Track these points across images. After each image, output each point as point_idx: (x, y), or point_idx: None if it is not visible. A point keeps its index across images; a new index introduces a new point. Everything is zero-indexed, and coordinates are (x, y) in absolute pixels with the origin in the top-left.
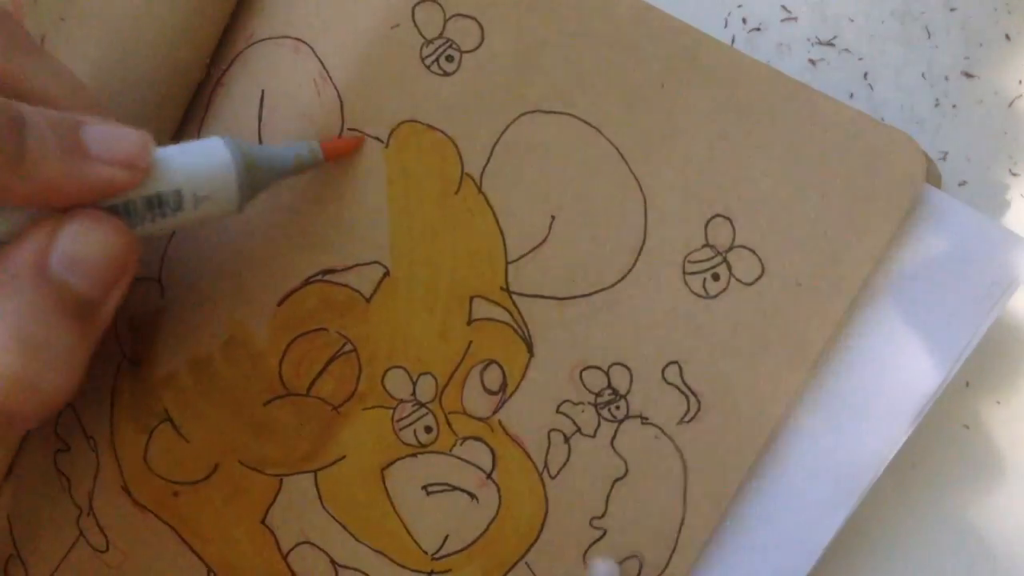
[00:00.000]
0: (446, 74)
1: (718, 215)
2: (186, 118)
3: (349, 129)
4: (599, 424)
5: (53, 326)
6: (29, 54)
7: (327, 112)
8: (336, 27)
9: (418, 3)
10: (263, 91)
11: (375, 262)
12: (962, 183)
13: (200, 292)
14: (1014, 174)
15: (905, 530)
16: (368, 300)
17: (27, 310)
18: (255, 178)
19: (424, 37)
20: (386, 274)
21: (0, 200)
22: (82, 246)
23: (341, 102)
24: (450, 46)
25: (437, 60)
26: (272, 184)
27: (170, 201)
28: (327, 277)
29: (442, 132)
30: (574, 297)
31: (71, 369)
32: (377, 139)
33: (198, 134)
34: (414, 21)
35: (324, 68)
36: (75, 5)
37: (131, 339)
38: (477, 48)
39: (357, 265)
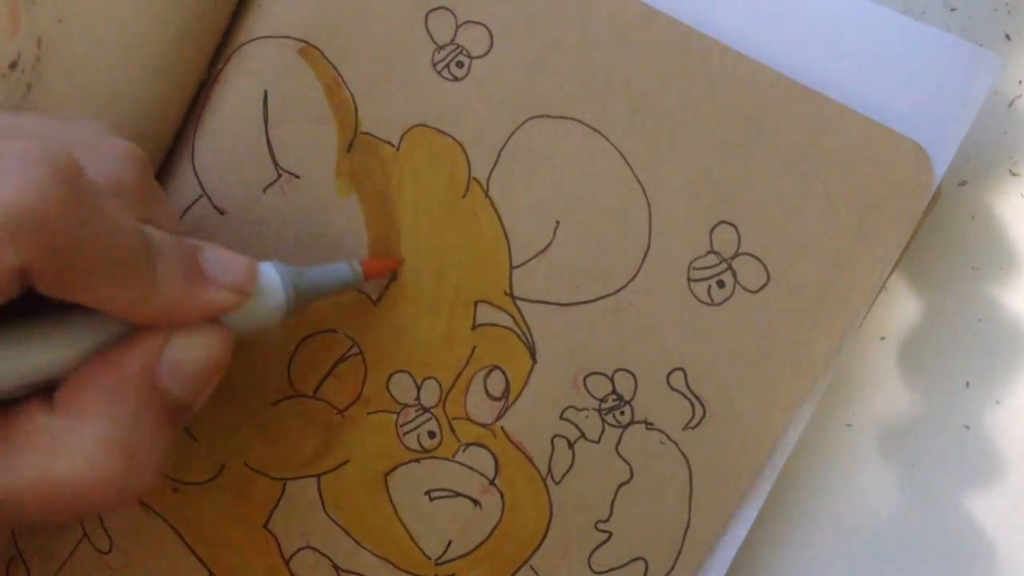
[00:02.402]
0: (456, 79)
1: (723, 221)
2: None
3: (361, 133)
4: (603, 429)
5: (153, 433)
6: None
7: (341, 116)
8: (347, 31)
9: (431, 10)
10: (266, 92)
11: None
12: (962, 183)
13: None
14: (1014, 174)
15: (905, 530)
16: (376, 303)
17: (131, 418)
18: (300, 300)
19: (436, 43)
20: (393, 277)
21: (129, 316)
22: (188, 355)
23: (355, 106)
24: (460, 52)
25: (448, 65)
26: (312, 302)
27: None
28: None
29: (451, 136)
30: (578, 303)
31: (158, 469)
32: (388, 143)
33: (194, 133)
34: (426, 27)
35: (337, 72)
36: (73, 6)
37: None
38: (486, 54)
39: None
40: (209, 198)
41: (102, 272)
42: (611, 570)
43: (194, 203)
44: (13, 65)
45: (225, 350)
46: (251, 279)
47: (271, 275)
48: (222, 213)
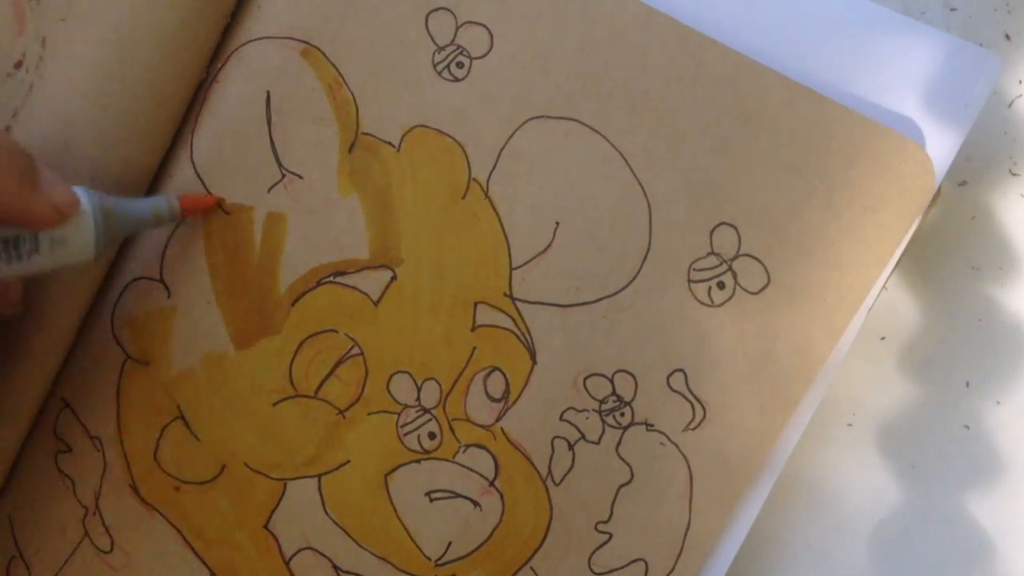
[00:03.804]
0: (456, 80)
1: (723, 223)
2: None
3: (363, 134)
4: (604, 431)
5: None
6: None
7: (342, 116)
8: (348, 32)
9: (431, 11)
10: (268, 92)
11: (383, 266)
12: (962, 183)
13: (209, 291)
14: (1014, 174)
15: (905, 530)
16: (376, 304)
17: None
18: (112, 228)
19: (436, 44)
20: (393, 278)
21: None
22: None
23: (357, 106)
24: (461, 52)
25: (448, 66)
26: (130, 234)
27: (27, 242)
28: (338, 279)
29: (451, 137)
30: (578, 304)
31: None
32: (389, 143)
33: (193, 132)
34: (427, 28)
35: (339, 72)
36: (76, 6)
37: (136, 339)
38: (486, 55)
39: (366, 268)
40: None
41: None
42: (611, 571)
43: None
44: (18, 65)
45: None
46: (75, 204)
47: (83, 204)
48: (227, 213)
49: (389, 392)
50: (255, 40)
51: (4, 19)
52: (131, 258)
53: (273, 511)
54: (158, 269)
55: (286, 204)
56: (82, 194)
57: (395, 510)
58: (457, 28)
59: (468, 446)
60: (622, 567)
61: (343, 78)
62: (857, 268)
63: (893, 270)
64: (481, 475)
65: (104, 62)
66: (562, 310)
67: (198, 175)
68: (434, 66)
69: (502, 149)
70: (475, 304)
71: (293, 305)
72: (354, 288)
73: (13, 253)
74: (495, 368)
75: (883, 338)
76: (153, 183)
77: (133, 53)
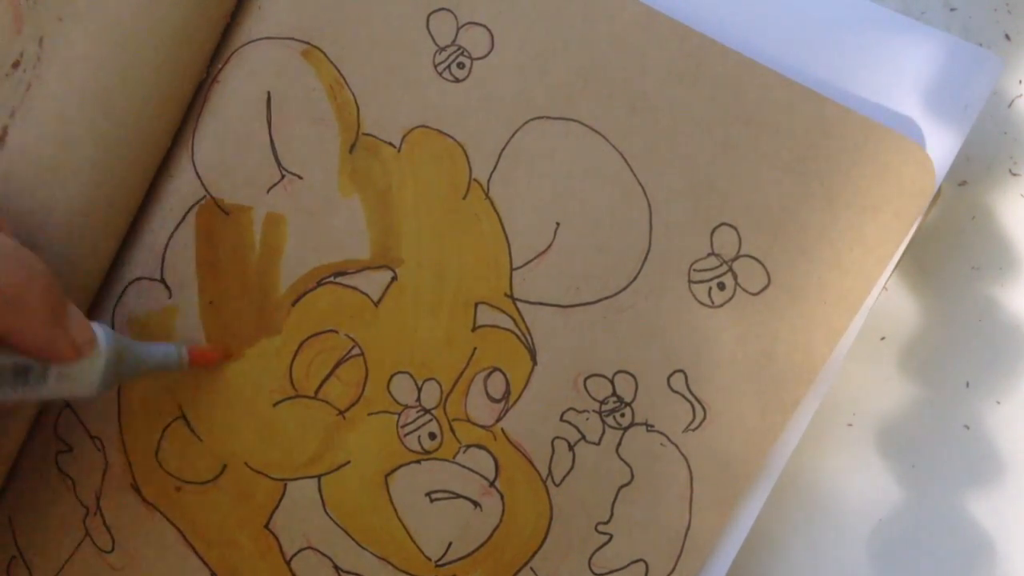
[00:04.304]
0: (457, 80)
1: (724, 223)
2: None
3: (363, 134)
4: (604, 431)
5: None
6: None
7: (343, 116)
8: (350, 33)
9: (432, 11)
10: (269, 93)
11: (384, 266)
12: (962, 183)
13: (214, 292)
14: (1014, 174)
15: (905, 530)
16: (376, 304)
17: None
18: (120, 369)
19: (437, 44)
20: (394, 278)
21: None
22: None
23: (357, 107)
24: (462, 53)
25: (449, 67)
26: (134, 376)
27: (36, 372)
28: (339, 279)
29: (452, 138)
30: (578, 305)
31: None
32: (390, 144)
33: (194, 132)
34: (428, 28)
35: (339, 73)
36: (73, 5)
37: (137, 339)
38: (487, 55)
39: (367, 268)
40: (213, 198)
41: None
42: (612, 572)
43: (197, 203)
44: (16, 64)
45: None
46: (93, 342)
47: (99, 343)
48: (227, 214)
49: (389, 392)
50: (256, 40)
51: (1, 19)
52: (131, 258)
53: (274, 511)
54: (159, 269)
55: (286, 204)
56: (99, 331)
57: (395, 510)
58: (458, 29)
59: (468, 446)
60: (622, 568)
61: (344, 79)
62: (857, 269)
63: (893, 270)
64: (481, 475)
65: (103, 62)
66: (562, 310)
67: (198, 175)
68: (435, 67)
69: (503, 150)
70: (476, 304)
71: (293, 305)
72: (355, 288)
73: (20, 380)
74: (495, 368)
75: (883, 338)
76: (153, 183)
77: (132, 53)
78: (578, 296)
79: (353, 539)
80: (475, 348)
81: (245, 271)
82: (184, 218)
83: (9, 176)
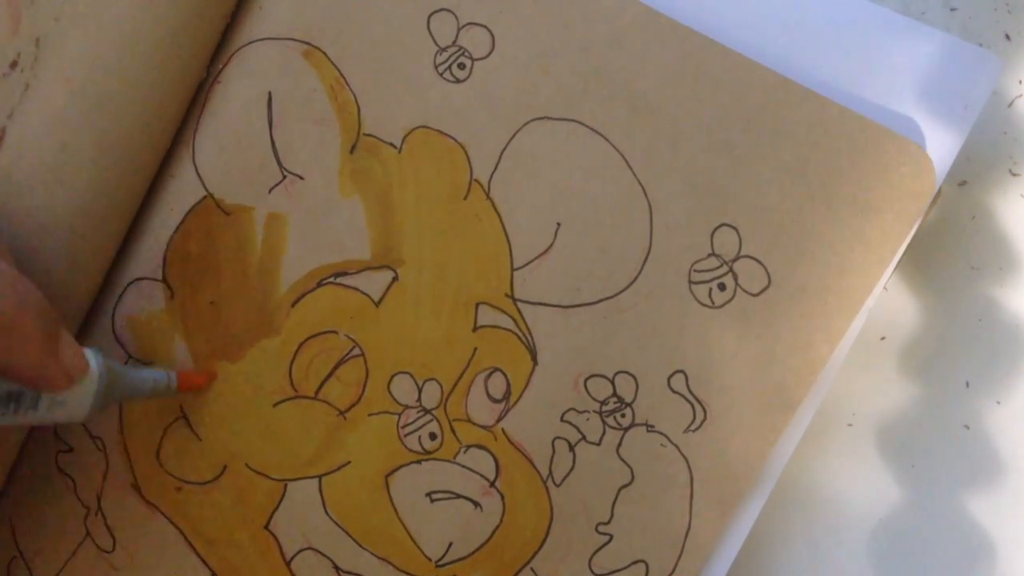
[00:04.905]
0: (458, 81)
1: (724, 224)
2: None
3: (364, 135)
4: (604, 432)
5: None
6: None
7: (344, 117)
8: (350, 33)
9: (433, 12)
10: (270, 93)
11: (385, 266)
12: (962, 183)
13: (215, 292)
14: (1014, 174)
15: (905, 530)
16: (377, 304)
17: None
18: (111, 395)
19: (438, 45)
20: (395, 279)
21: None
22: None
23: (358, 107)
24: (462, 54)
25: (450, 67)
26: (123, 401)
27: (27, 400)
28: (339, 280)
29: (453, 138)
30: (579, 305)
31: None
32: (391, 144)
33: (195, 133)
34: (428, 29)
35: (340, 73)
36: (71, 5)
37: (138, 339)
38: (488, 56)
39: (367, 269)
40: (214, 199)
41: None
42: (612, 572)
43: (198, 203)
44: (13, 65)
45: None
46: (86, 370)
47: (91, 369)
48: (227, 214)
49: (390, 393)
50: (257, 41)
51: None
52: (132, 258)
53: (274, 512)
54: (160, 269)
55: (287, 205)
56: (91, 357)
57: (396, 511)
58: (459, 29)
59: (469, 447)
60: (622, 568)
61: (345, 79)
62: (858, 270)
63: (893, 270)
64: (482, 476)
65: (102, 62)
66: (563, 311)
67: (199, 176)
68: (436, 67)
69: (503, 150)
70: (476, 305)
71: (293, 306)
72: (355, 289)
73: (11, 407)
74: (496, 369)
75: (883, 338)
76: (155, 183)
77: (131, 53)
78: (579, 296)
79: (353, 539)
80: (476, 348)
81: (246, 271)
82: (185, 218)
83: (8, 177)
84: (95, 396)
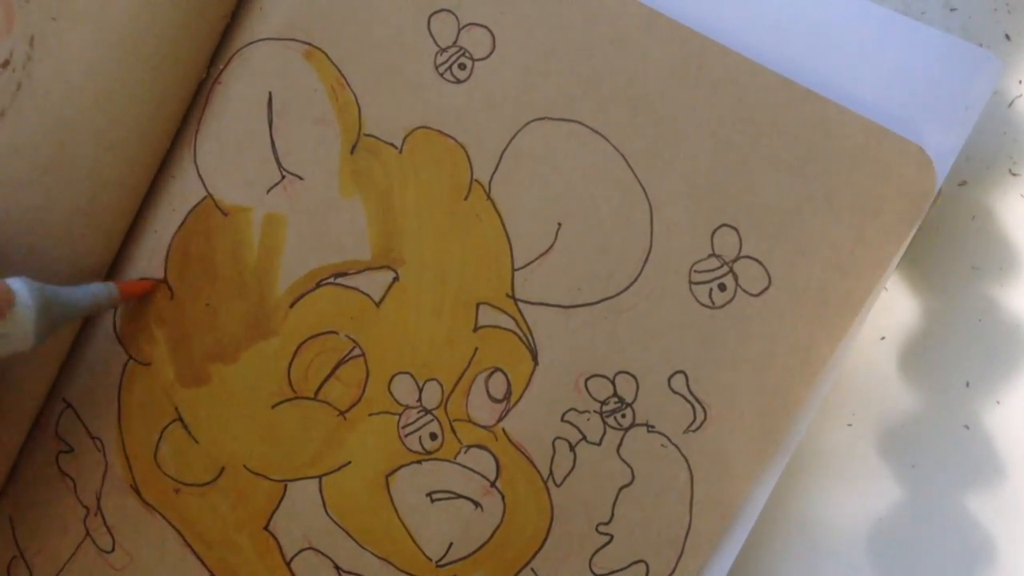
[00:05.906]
0: (458, 81)
1: (725, 224)
2: (184, 116)
3: (365, 135)
4: (605, 432)
5: None
6: None
7: (344, 117)
8: (351, 34)
9: (434, 12)
10: (271, 93)
11: (385, 267)
12: (962, 183)
13: (211, 293)
14: (1014, 174)
15: (905, 530)
16: (378, 305)
17: None
18: (52, 318)
19: (438, 45)
20: (395, 279)
21: None
22: None
23: (359, 107)
24: (463, 54)
25: (450, 68)
26: (70, 320)
27: None
28: (339, 280)
29: (453, 138)
30: (580, 305)
31: None
32: (391, 144)
33: (196, 133)
34: (429, 29)
35: (341, 74)
36: (69, 4)
37: (138, 340)
38: (488, 56)
39: (368, 269)
40: (214, 199)
41: None
42: (612, 572)
43: (199, 204)
44: (5, 64)
45: None
46: (10, 299)
47: (21, 292)
48: (225, 214)
49: (390, 393)
50: (258, 41)
51: None
52: (132, 259)
53: (273, 512)
54: (161, 269)
55: (286, 205)
56: (21, 287)
57: (396, 511)
58: (459, 30)
59: (469, 447)
60: (623, 568)
61: (345, 79)
62: (858, 270)
63: (893, 271)
64: (482, 476)
65: (101, 62)
66: (564, 311)
67: (200, 177)
68: (436, 68)
69: (504, 150)
70: (477, 305)
71: (291, 307)
72: (355, 289)
73: None
74: (497, 369)
75: (883, 338)
76: (156, 184)
77: (131, 53)
78: (579, 297)
79: (354, 539)
80: (476, 348)
81: (242, 272)
82: (186, 219)
83: (4, 177)
84: (35, 322)
